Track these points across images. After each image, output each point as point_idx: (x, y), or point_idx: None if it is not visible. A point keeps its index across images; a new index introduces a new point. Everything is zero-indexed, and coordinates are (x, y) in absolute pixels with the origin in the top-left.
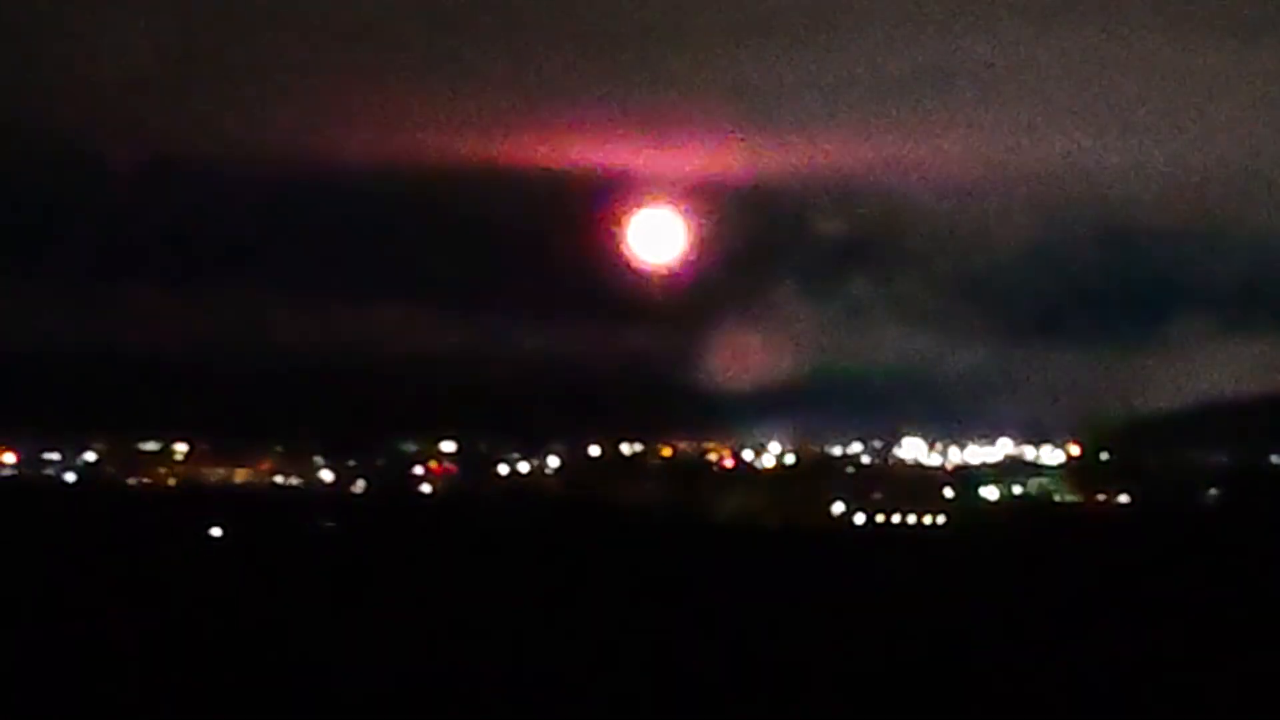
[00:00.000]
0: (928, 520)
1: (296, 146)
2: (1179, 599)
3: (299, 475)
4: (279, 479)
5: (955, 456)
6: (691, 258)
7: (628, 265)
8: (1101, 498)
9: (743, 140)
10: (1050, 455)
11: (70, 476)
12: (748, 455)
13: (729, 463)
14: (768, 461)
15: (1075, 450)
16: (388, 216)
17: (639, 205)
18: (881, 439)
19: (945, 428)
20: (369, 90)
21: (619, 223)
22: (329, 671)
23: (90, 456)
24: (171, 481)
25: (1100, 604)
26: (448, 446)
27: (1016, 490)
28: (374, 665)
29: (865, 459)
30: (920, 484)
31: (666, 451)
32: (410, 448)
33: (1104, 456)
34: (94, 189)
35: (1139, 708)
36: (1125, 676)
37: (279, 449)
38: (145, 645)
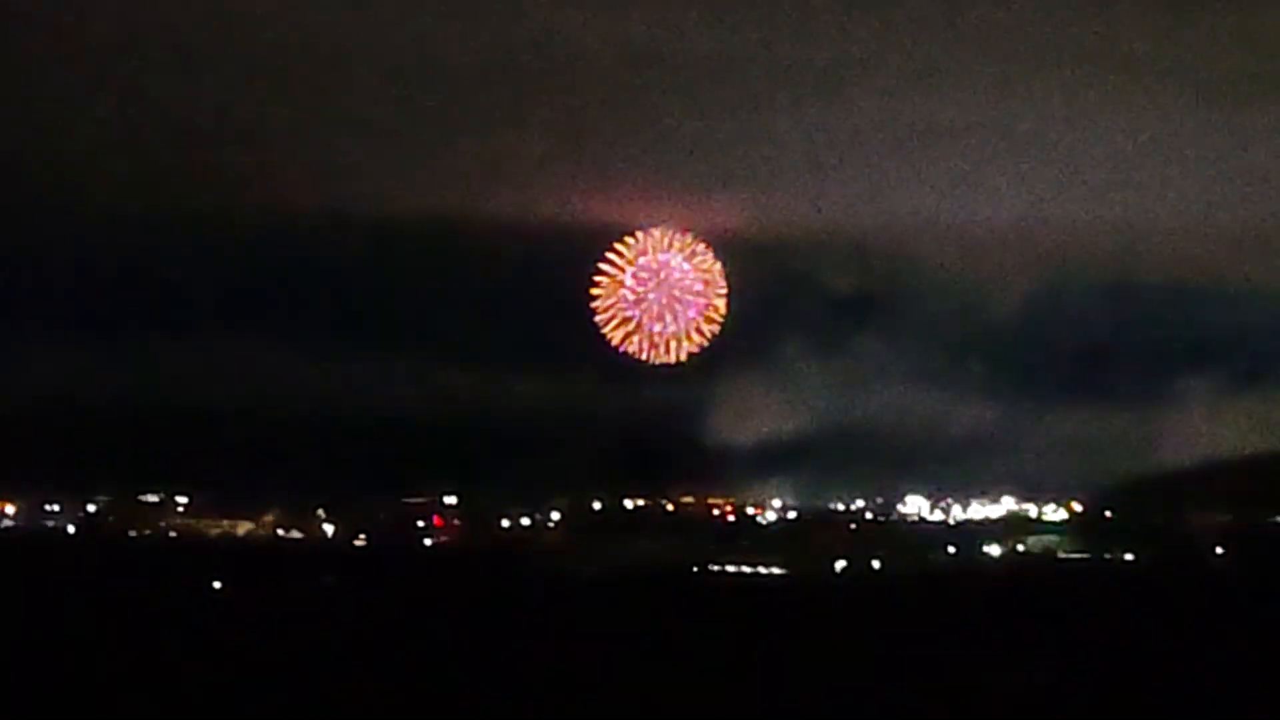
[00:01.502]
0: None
1: (302, 200)
2: (1185, 656)
3: (301, 528)
4: (280, 532)
5: (958, 513)
6: (700, 312)
7: (634, 319)
8: (1107, 555)
9: (751, 196)
10: (1053, 513)
11: (71, 528)
12: (750, 510)
13: (732, 517)
14: (770, 516)
15: (1079, 508)
16: (396, 271)
17: (647, 259)
18: (884, 495)
19: (948, 484)
20: (372, 149)
21: (626, 276)
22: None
23: (91, 508)
24: (173, 534)
25: (1104, 658)
26: (450, 500)
27: (1020, 548)
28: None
29: (868, 515)
30: (922, 540)
31: (669, 506)
32: (413, 501)
33: (1108, 514)
34: (93, 243)
35: None
36: None
37: (281, 502)
38: (146, 696)
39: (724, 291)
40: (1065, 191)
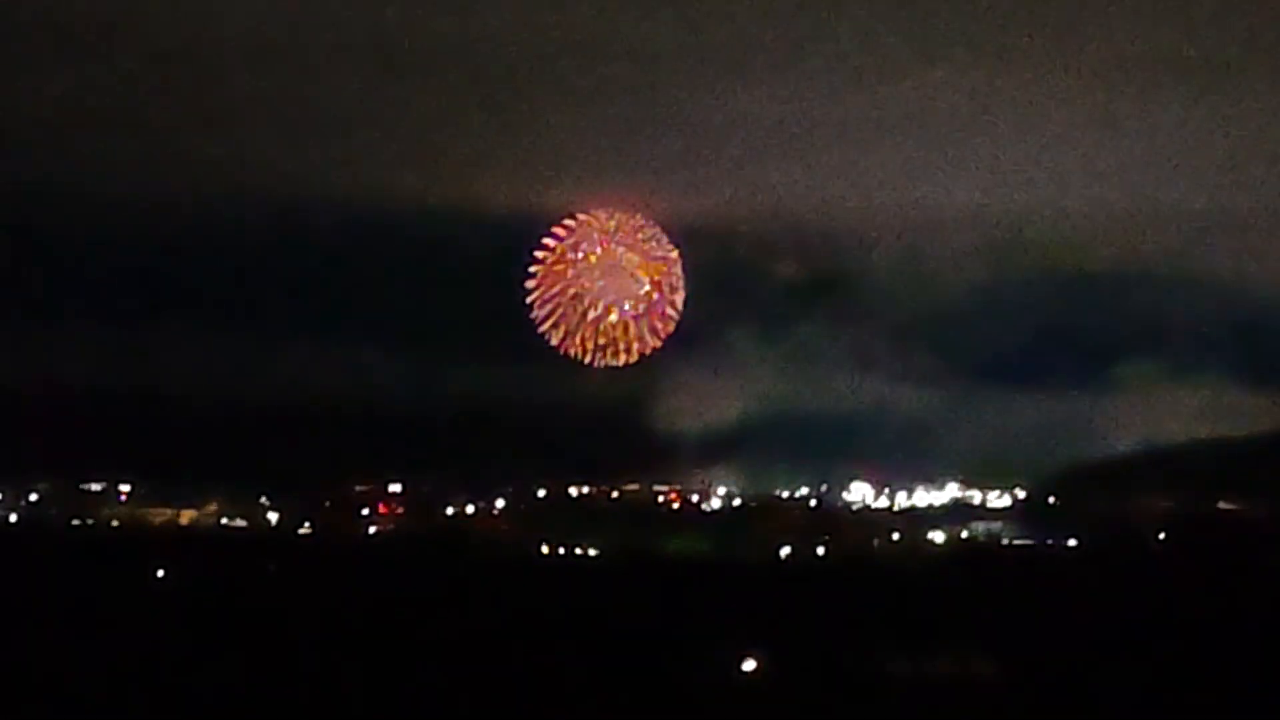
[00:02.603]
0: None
1: (248, 188)
2: (1126, 640)
3: (245, 517)
4: (224, 520)
5: (903, 500)
6: (645, 299)
7: (577, 306)
8: (1050, 541)
9: (696, 182)
10: (997, 499)
11: (13, 517)
12: (695, 497)
13: (677, 505)
14: (715, 504)
15: (1022, 494)
16: (340, 260)
17: (593, 247)
18: (829, 482)
19: (893, 471)
20: (329, 133)
21: (571, 264)
22: (271, 711)
23: (33, 497)
24: (115, 523)
25: (1044, 643)
26: (394, 488)
27: (964, 534)
28: (316, 706)
29: (813, 502)
30: (867, 527)
31: (614, 494)
32: (357, 489)
33: (1051, 500)
34: (31, 229)
35: None
36: (1072, 714)
37: (224, 490)
38: (89, 686)
39: (680, 284)
40: (1009, 180)
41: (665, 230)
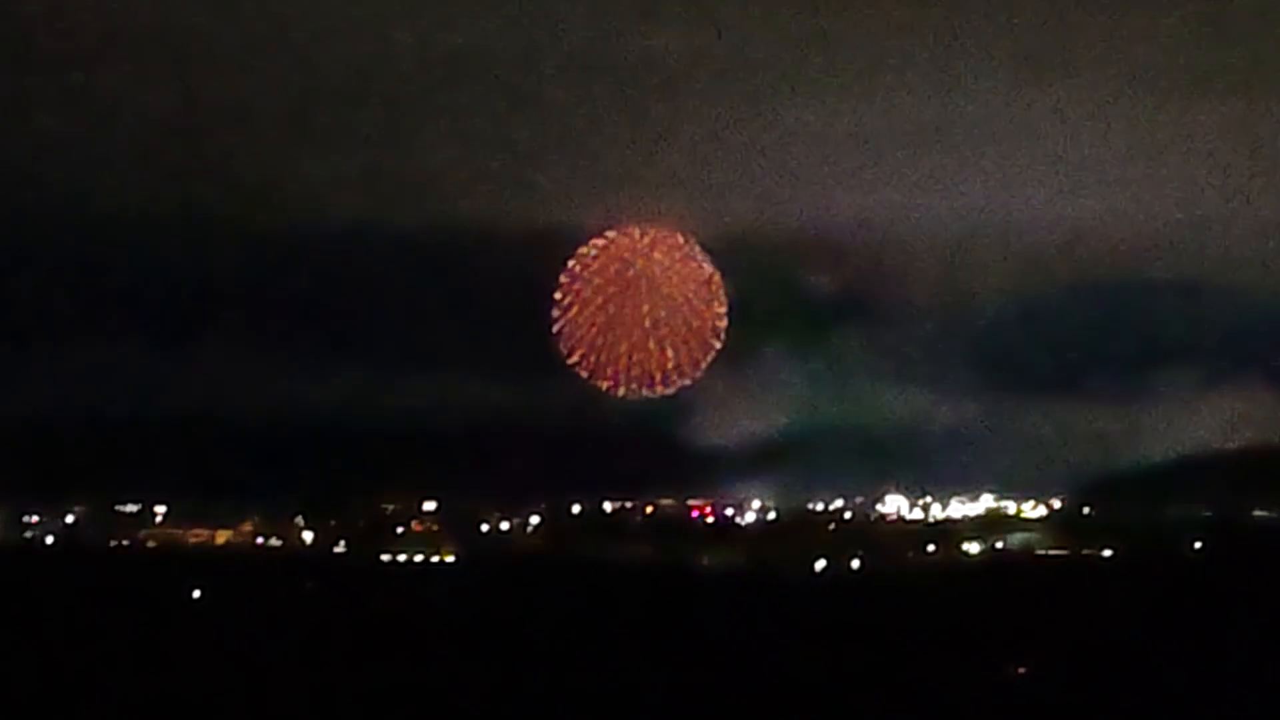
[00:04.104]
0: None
1: (277, 209)
2: (1162, 650)
3: (280, 536)
4: (260, 540)
5: (937, 512)
6: (675, 308)
7: (608, 335)
8: (1085, 552)
9: (730, 197)
10: (1032, 509)
11: (50, 538)
12: (730, 512)
13: (711, 519)
14: (750, 518)
15: (1057, 504)
16: (371, 278)
17: (625, 258)
18: (863, 495)
19: (927, 483)
20: (362, 150)
21: (600, 289)
22: None
23: (70, 519)
24: (151, 543)
25: (1080, 654)
26: (429, 506)
27: (998, 545)
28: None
29: (847, 515)
30: (901, 539)
31: (649, 508)
32: (391, 508)
33: (1086, 510)
34: (61, 250)
35: None
36: None
37: (259, 510)
38: (126, 707)
39: (722, 307)
40: (1044, 191)
41: (701, 245)
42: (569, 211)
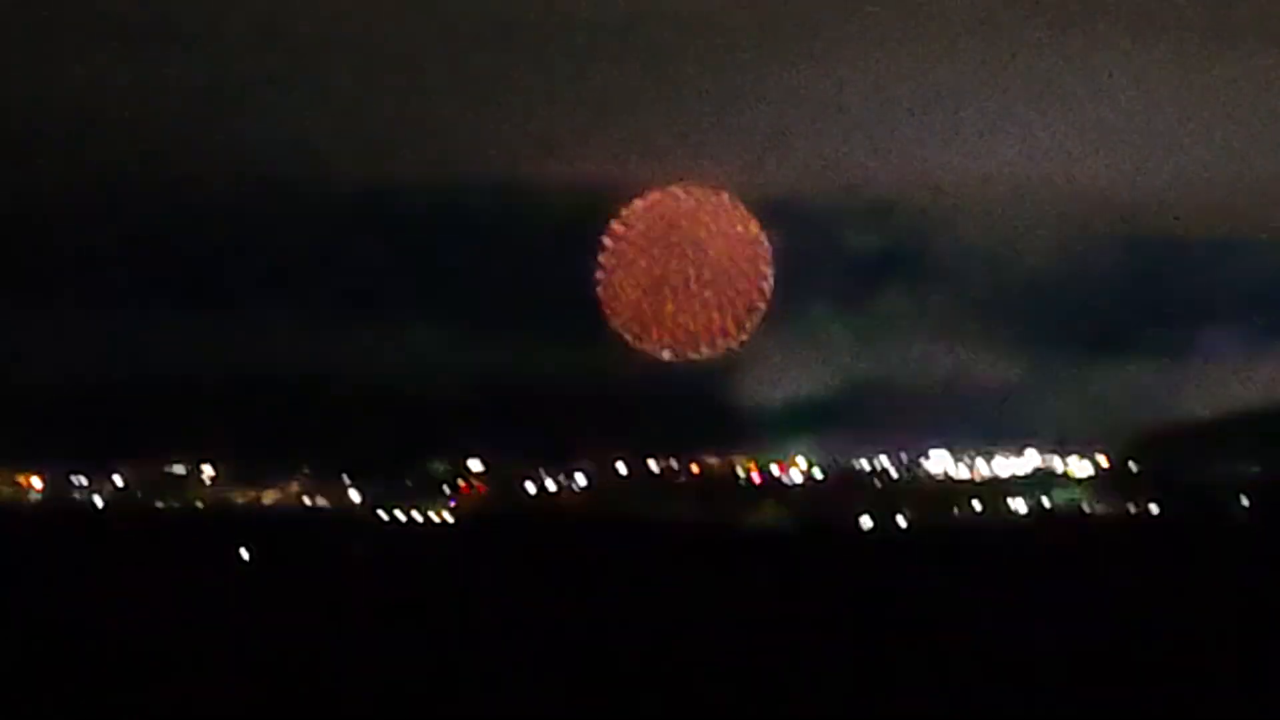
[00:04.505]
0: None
1: (323, 170)
2: (1209, 608)
3: (327, 496)
4: (307, 500)
5: (983, 469)
6: (720, 270)
7: (655, 279)
8: (1132, 509)
9: (776, 155)
10: (1079, 467)
11: (98, 500)
12: (775, 471)
13: (757, 478)
14: (796, 477)
15: (1104, 461)
16: (418, 238)
17: (669, 219)
18: (909, 453)
19: (973, 440)
20: (403, 111)
21: (650, 238)
22: (355, 691)
23: (118, 480)
24: (199, 504)
25: (1129, 612)
26: (475, 465)
27: (1045, 502)
28: (399, 686)
29: (893, 473)
30: (947, 496)
31: (695, 468)
32: (439, 467)
33: (1133, 467)
34: (103, 215)
35: (1170, 713)
36: (1158, 683)
37: (307, 471)
38: (175, 666)
39: (768, 269)
40: (1091, 146)
41: (745, 205)
42: (614, 173)
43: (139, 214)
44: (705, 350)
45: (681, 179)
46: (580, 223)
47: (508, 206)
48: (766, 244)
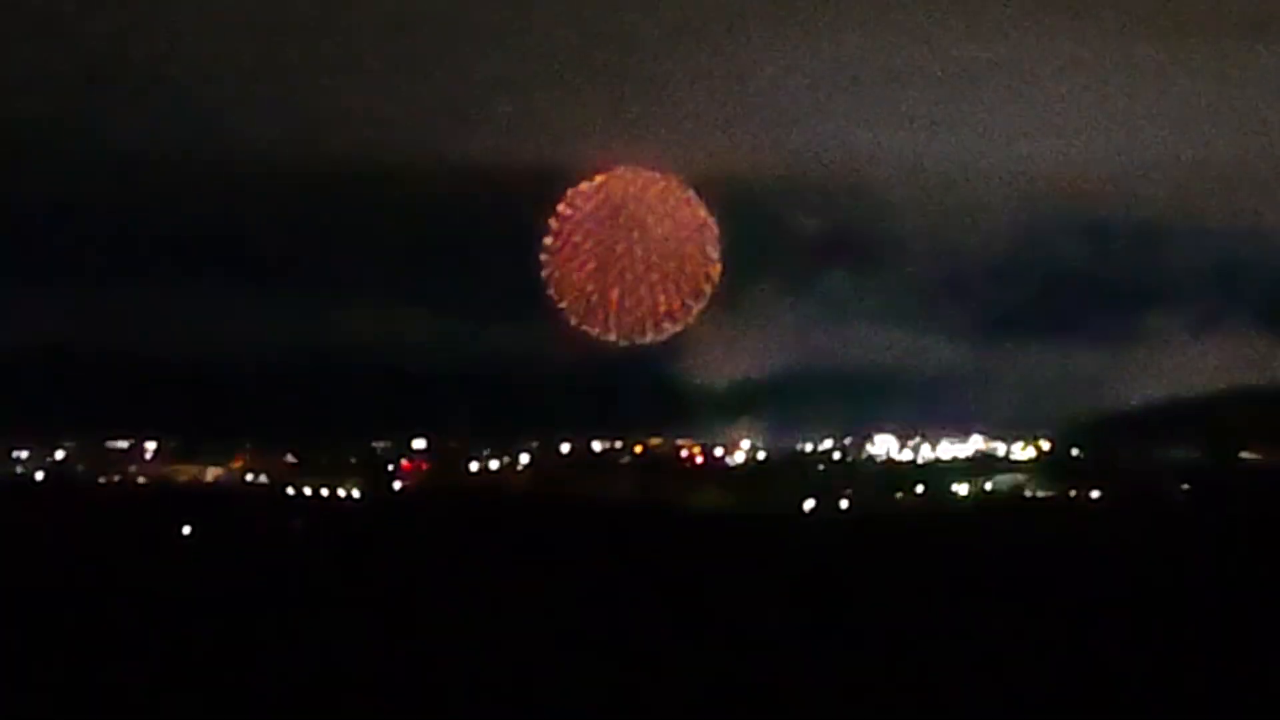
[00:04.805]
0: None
1: (265, 146)
2: (1148, 592)
3: (269, 473)
4: (249, 477)
5: (926, 453)
6: (667, 252)
7: (602, 261)
8: (1073, 493)
9: (720, 137)
10: (1021, 451)
11: (39, 475)
12: (719, 452)
13: (700, 459)
14: (739, 458)
15: (1046, 446)
16: (360, 216)
17: (616, 201)
18: (853, 435)
19: (917, 424)
20: (348, 92)
21: (594, 218)
22: (300, 667)
23: (59, 455)
24: (141, 480)
25: (1070, 598)
26: (419, 444)
27: (987, 486)
28: (345, 661)
29: (836, 455)
30: (890, 480)
31: (638, 448)
32: (382, 445)
33: (1075, 452)
34: (61, 188)
35: (1109, 697)
36: (1095, 669)
37: (250, 446)
38: (116, 642)
39: (715, 253)
40: (1036, 131)
41: (692, 187)
42: (559, 154)
43: (79, 189)
44: (651, 334)
45: (628, 162)
46: (526, 205)
47: (453, 187)
48: (714, 226)
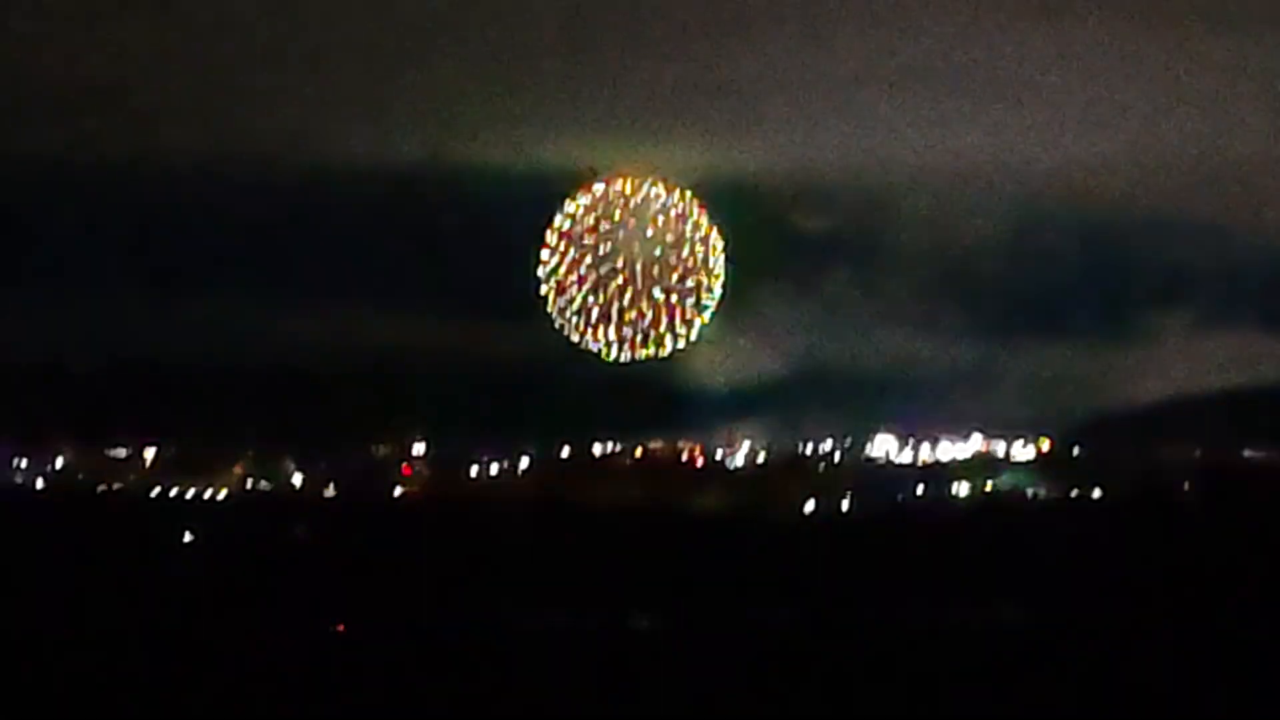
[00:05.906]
0: None
1: (261, 153)
2: (1150, 592)
3: (270, 480)
4: (250, 483)
5: (927, 453)
6: (670, 255)
7: (603, 264)
8: (1075, 493)
9: (719, 139)
10: (1022, 451)
11: (40, 483)
12: (720, 454)
13: (700, 462)
14: (739, 460)
15: (1047, 445)
16: (358, 220)
17: (619, 204)
18: (853, 437)
19: (918, 425)
20: (348, 93)
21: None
22: (300, 674)
23: (59, 463)
24: (141, 487)
25: (1072, 598)
26: (419, 449)
27: (989, 487)
28: (345, 668)
29: (836, 456)
30: (891, 481)
31: (638, 452)
32: (382, 450)
33: (1076, 451)
34: (59, 196)
35: (1113, 695)
36: (1100, 666)
37: (250, 454)
38: (118, 649)
39: (719, 266)
40: (1036, 130)
41: (691, 191)
42: (559, 156)
43: (64, 191)
44: (653, 346)
45: (627, 167)
46: (528, 208)
47: (454, 195)
48: (716, 233)
